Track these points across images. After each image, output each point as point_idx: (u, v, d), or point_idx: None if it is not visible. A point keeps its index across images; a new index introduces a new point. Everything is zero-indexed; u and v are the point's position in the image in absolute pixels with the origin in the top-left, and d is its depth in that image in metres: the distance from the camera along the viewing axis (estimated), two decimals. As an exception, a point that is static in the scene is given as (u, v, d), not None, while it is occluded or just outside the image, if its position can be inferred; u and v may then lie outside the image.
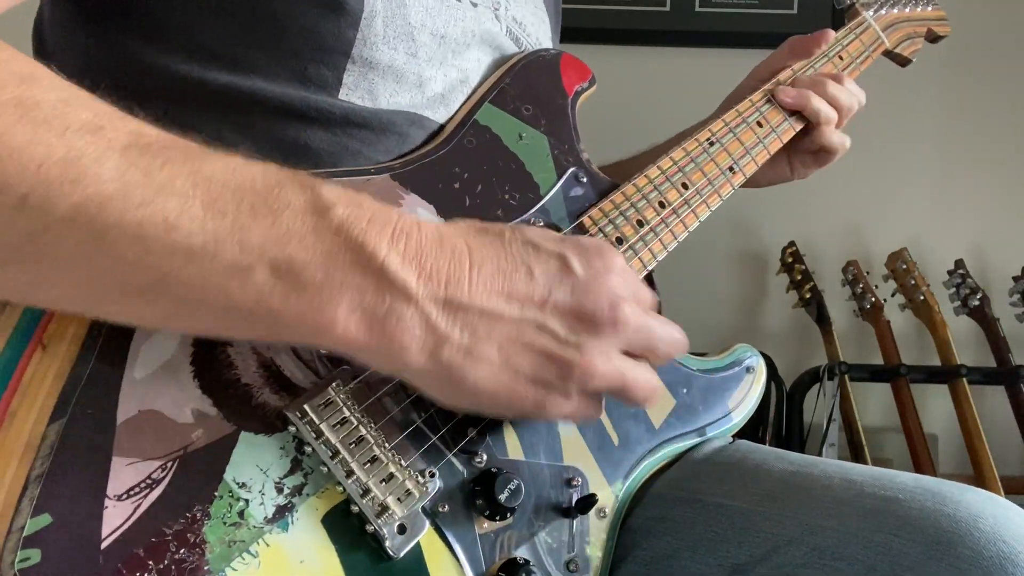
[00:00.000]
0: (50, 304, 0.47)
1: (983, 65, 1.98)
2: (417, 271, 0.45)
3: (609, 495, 0.64)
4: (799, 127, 0.86)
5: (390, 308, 0.45)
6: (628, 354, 0.53)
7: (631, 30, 2.01)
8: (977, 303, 1.80)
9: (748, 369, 0.77)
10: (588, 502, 0.61)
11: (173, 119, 0.59)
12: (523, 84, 0.73)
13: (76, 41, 0.63)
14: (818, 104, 0.84)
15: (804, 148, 0.89)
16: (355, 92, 0.64)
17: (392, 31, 0.64)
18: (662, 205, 0.73)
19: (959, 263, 1.84)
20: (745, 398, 0.75)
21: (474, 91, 0.72)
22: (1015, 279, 1.82)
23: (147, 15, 0.61)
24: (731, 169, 0.80)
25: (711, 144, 0.79)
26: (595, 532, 0.63)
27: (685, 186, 0.75)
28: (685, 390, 0.71)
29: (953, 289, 1.83)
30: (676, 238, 0.74)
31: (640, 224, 0.72)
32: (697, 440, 0.71)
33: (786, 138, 0.85)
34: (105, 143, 0.42)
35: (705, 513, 0.66)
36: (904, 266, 1.83)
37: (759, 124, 0.83)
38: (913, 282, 1.82)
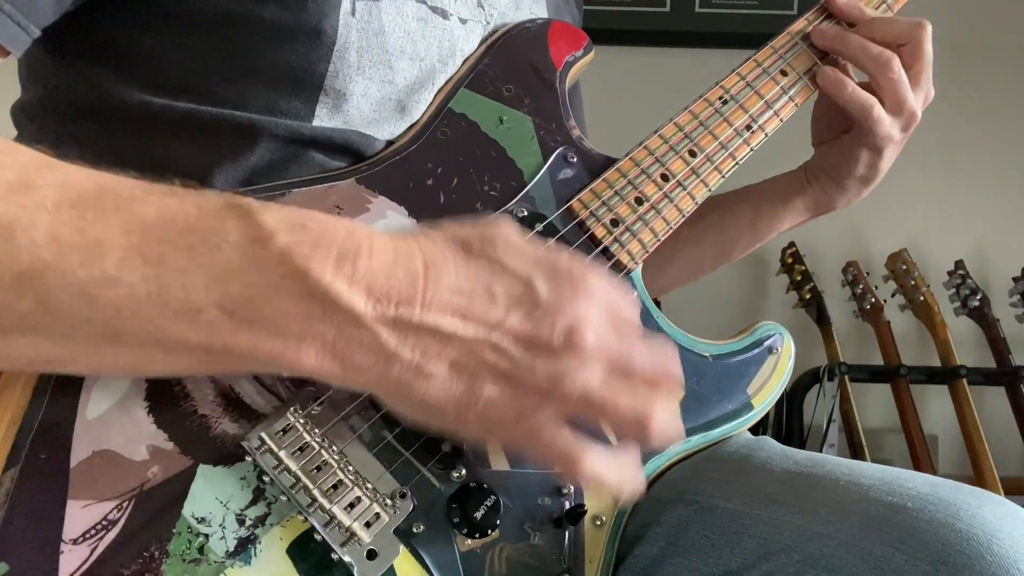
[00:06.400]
0: (23, 367, 0.47)
1: (983, 65, 1.99)
2: (366, 294, 0.44)
3: (607, 502, 0.60)
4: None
5: (339, 333, 0.44)
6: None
7: (631, 30, 2.01)
8: (977, 304, 1.80)
9: (771, 350, 0.68)
10: (576, 513, 0.58)
11: (133, 142, 0.59)
12: (504, 62, 0.67)
13: (44, 71, 0.63)
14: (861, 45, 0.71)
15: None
16: (329, 122, 0.62)
17: (368, 60, 0.61)
18: (664, 178, 0.66)
19: (959, 264, 1.84)
20: (767, 383, 0.67)
21: (451, 76, 0.67)
22: (1015, 279, 1.82)
23: (115, 48, 0.60)
24: (748, 128, 0.70)
25: (724, 103, 0.70)
26: (591, 543, 0.59)
27: (692, 153, 0.68)
28: (695, 380, 0.64)
29: (953, 290, 1.83)
30: (682, 212, 0.67)
31: (639, 202, 0.65)
32: (715, 436, 0.65)
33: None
34: (35, 204, 0.42)
35: (700, 516, 0.62)
36: (904, 267, 1.83)
37: (783, 73, 0.73)
38: (913, 283, 1.82)
